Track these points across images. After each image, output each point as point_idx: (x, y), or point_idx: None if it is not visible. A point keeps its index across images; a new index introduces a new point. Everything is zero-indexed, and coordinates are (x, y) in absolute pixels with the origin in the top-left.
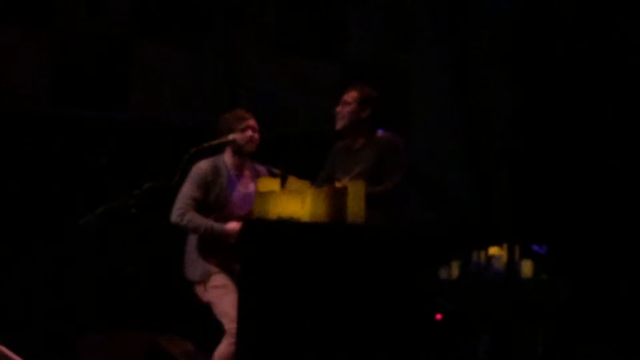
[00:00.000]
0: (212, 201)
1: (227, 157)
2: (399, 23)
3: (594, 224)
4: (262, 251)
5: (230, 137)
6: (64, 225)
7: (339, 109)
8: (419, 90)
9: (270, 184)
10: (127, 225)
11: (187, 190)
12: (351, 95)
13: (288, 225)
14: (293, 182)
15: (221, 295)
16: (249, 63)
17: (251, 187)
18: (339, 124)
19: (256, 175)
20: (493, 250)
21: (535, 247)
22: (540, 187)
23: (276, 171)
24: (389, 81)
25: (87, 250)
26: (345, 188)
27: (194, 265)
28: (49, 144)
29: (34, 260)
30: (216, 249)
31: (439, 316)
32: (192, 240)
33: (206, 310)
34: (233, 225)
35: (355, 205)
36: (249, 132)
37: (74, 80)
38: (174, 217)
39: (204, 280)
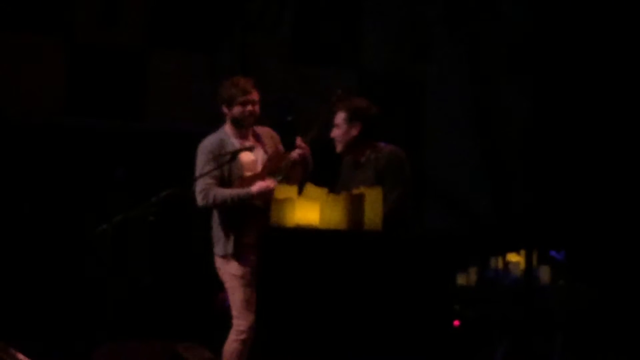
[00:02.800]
0: (226, 174)
1: (228, 128)
2: (416, 32)
3: (612, 230)
4: (280, 258)
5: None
6: (81, 235)
7: (333, 134)
8: (436, 99)
9: (288, 192)
10: (144, 233)
11: (200, 170)
12: (339, 117)
13: (305, 232)
14: (310, 189)
15: (236, 287)
16: (265, 72)
17: (258, 151)
18: (338, 148)
19: (258, 138)
20: (511, 257)
21: (553, 253)
22: (557, 193)
23: (287, 119)
24: (406, 90)
25: (104, 259)
26: (362, 195)
27: (218, 241)
28: (65, 155)
29: (50, 271)
30: (238, 225)
31: (456, 323)
32: (216, 217)
33: (223, 318)
34: (258, 186)
35: (372, 212)
36: (249, 107)
37: (90, 91)
38: (199, 200)
39: (225, 257)
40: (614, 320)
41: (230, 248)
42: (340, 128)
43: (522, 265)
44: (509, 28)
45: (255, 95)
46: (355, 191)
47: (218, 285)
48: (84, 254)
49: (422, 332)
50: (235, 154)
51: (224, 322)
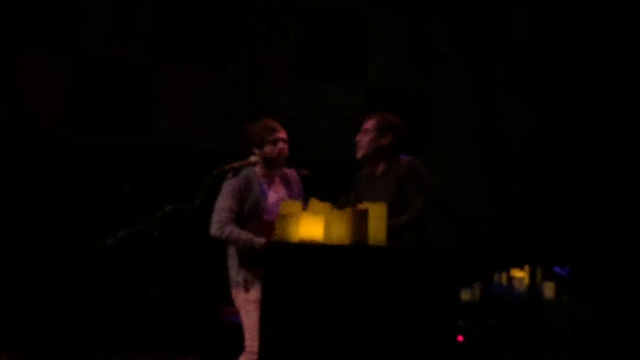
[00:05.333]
0: (247, 211)
1: (258, 169)
2: (422, 49)
3: (616, 246)
4: (284, 274)
5: (252, 159)
6: (86, 249)
7: (358, 137)
8: (442, 115)
9: (292, 207)
10: (149, 247)
11: (223, 203)
12: (370, 123)
13: (309, 247)
14: (315, 204)
15: (251, 310)
16: (271, 88)
17: (282, 192)
18: (359, 153)
19: (286, 180)
20: (515, 272)
21: (557, 269)
22: (562, 209)
23: (305, 172)
24: (412, 107)
25: (109, 273)
26: (366, 210)
27: (235, 269)
28: (72, 169)
29: (56, 285)
30: (256, 259)
31: (460, 338)
32: (230, 248)
33: (228, 333)
34: (263, 245)
35: (377, 227)
36: (280, 145)
37: (97, 105)
38: (213, 230)
39: (244, 286)
40: (618, 335)
41: (241, 278)
42: (368, 134)
43: (527, 281)
44: (514, 44)
45: (284, 134)
46: (361, 205)
47: (223, 300)
48: (89, 268)
49: (426, 347)
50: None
51: (229, 337)
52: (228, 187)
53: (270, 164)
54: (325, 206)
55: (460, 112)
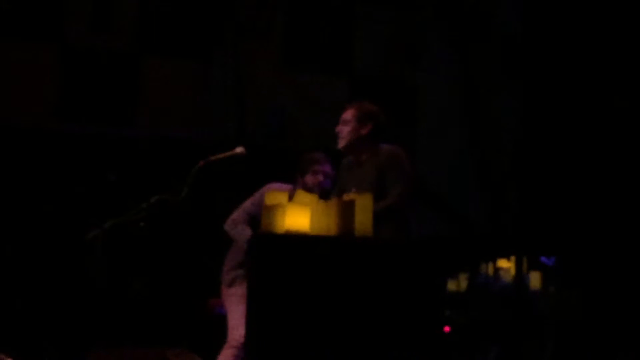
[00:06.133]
0: (259, 218)
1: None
2: (408, 40)
3: (602, 236)
4: (270, 265)
5: (238, 150)
6: (71, 240)
7: (338, 128)
8: (427, 105)
9: (278, 197)
10: (135, 239)
11: (248, 204)
12: (349, 113)
13: (296, 238)
14: (301, 195)
15: (236, 303)
16: (256, 79)
17: None
18: (340, 144)
19: None
20: (501, 263)
21: (543, 259)
22: (548, 200)
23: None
24: (398, 98)
25: (95, 265)
26: (352, 201)
27: (228, 269)
28: (57, 160)
29: (41, 275)
30: (241, 261)
31: (447, 329)
32: (235, 248)
33: (214, 324)
34: None
35: (363, 218)
36: (320, 177)
37: (82, 97)
38: (227, 224)
39: (229, 283)
40: (604, 325)
41: (231, 276)
42: (348, 125)
43: (513, 271)
44: (500, 35)
45: (327, 168)
46: (347, 196)
47: (209, 291)
48: (74, 259)
49: (413, 337)
50: None
51: (215, 327)
52: (263, 193)
53: (308, 191)
54: (312, 197)
55: (446, 102)
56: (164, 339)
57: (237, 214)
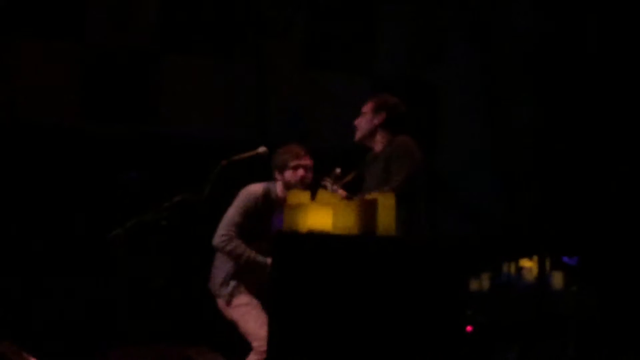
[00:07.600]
0: (250, 227)
1: (279, 189)
2: (429, 38)
3: (625, 235)
4: (293, 264)
5: (261, 150)
6: (94, 238)
7: (356, 121)
8: (449, 104)
9: (300, 197)
10: (157, 237)
11: (234, 216)
12: (367, 106)
13: (318, 238)
14: (323, 194)
15: (244, 314)
16: (278, 77)
17: None
18: (357, 135)
19: None
20: (524, 262)
21: (565, 259)
22: (570, 199)
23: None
24: (419, 95)
25: (117, 263)
26: (374, 200)
27: (221, 282)
28: (79, 159)
29: (63, 274)
30: (247, 274)
31: (469, 328)
32: (222, 258)
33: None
34: None
35: (385, 217)
36: (301, 172)
37: (104, 95)
38: (218, 241)
39: (228, 299)
40: (626, 326)
41: (227, 291)
42: (365, 116)
43: (535, 271)
44: (522, 33)
45: (307, 161)
46: (369, 196)
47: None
48: (96, 257)
49: (435, 337)
50: None
51: (236, 327)
52: (246, 199)
53: (289, 189)
54: (335, 196)
55: (468, 101)
56: (186, 337)
57: (227, 229)
